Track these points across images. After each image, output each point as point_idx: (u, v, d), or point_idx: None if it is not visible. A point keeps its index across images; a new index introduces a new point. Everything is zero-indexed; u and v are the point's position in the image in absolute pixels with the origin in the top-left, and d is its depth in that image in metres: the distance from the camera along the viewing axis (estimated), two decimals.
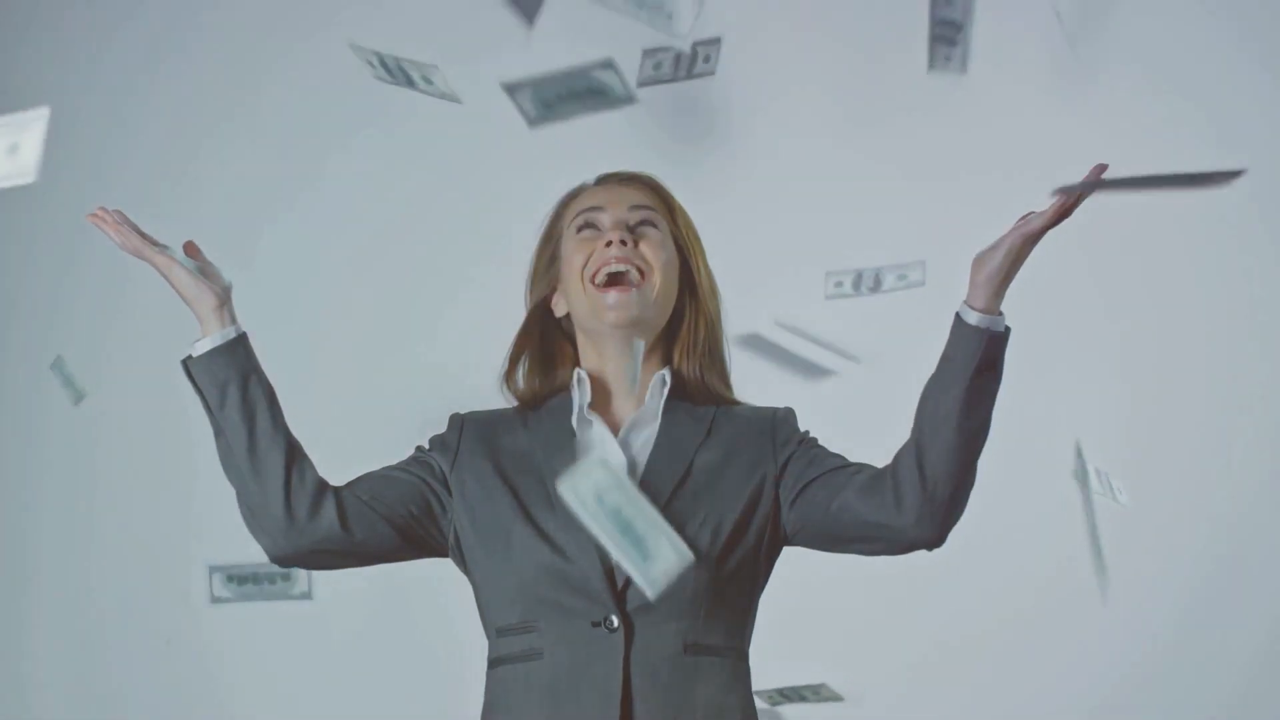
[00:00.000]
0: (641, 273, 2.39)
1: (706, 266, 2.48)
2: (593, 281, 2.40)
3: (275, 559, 2.35)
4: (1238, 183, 1.95)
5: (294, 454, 2.33)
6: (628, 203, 2.44)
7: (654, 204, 2.45)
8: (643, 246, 2.40)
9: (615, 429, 2.41)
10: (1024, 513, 3.66)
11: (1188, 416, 3.81)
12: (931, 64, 2.29)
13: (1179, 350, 3.84)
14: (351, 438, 2.96)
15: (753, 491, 2.36)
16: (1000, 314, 2.23)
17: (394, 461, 2.44)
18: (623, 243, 2.39)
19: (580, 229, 2.45)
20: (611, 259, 2.39)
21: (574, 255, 2.43)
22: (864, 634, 3.65)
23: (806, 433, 2.44)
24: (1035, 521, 3.71)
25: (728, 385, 2.48)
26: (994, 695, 3.68)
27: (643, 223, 2.44)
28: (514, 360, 2.48)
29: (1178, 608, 3.77)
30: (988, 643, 3.68)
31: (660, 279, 2.40)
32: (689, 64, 2.35)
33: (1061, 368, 3.69)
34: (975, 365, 2.21)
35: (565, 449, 2.37)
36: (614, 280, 2.39)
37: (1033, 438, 3.40)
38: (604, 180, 2.51)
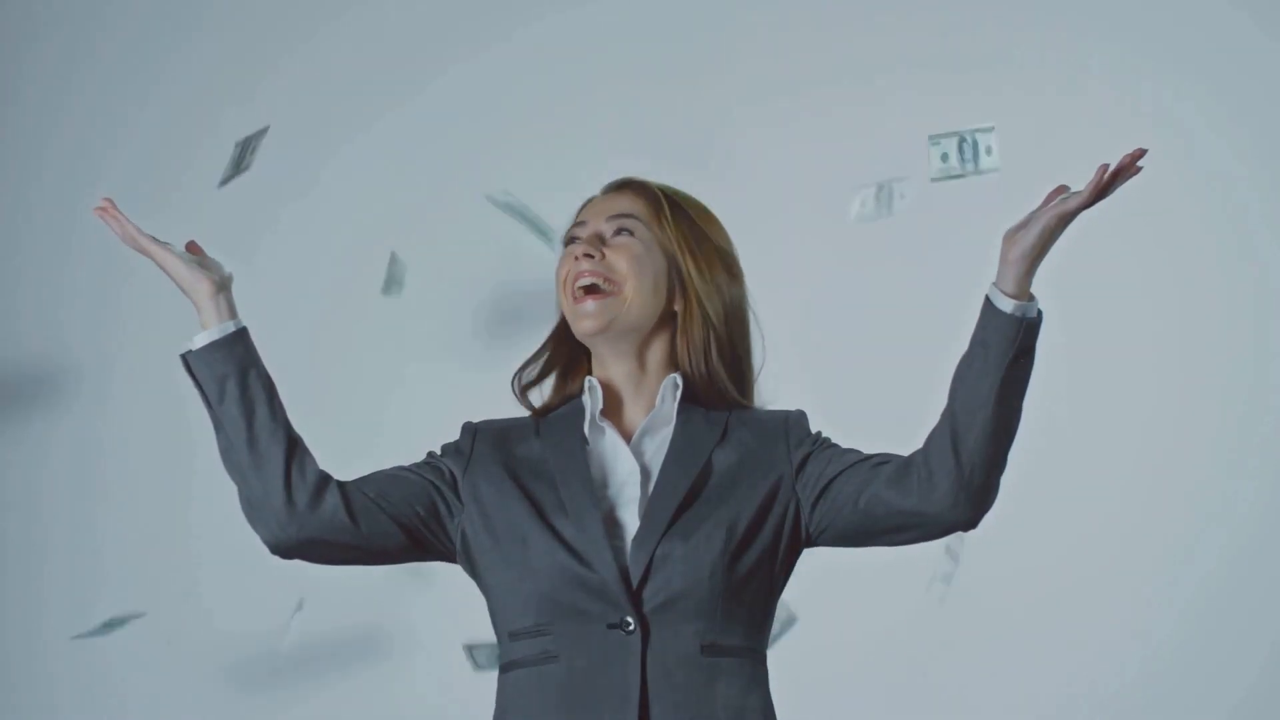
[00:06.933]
0: (614, 282, 2.39)
1: (707, 265, 2.44)
2: (572, 294, 2.41)
3: (275, 550, 2.32)
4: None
5: (294, 447, 2.30)
6: (607, 213, 2.45)
7: (637, 210, 2.45)
8: (611, 256, 2.41)
9: (628, 436, 2.40)
10: (1030, 511, 3.65)
11: (1201, 417, 3.79)
12: None
13: (1194, 351, 3.86)
14: (354, 435, 2.95)
15: (768, 491, 2.34)
16: (1032, 298, 2.21)
17: (394, 462, 2.41)
18: (589, 255, 2.40)
19: (567, 243, 2.46)
20: (581, 272, 2.40)
21: (559, 269, 2.44)
22: (868, 632, 3.63)
23: (819, 433, 2.42)
24: (1041, 521, 3.71)
25: (742, 386, 2.46)
26: (998, 696, 3.68)
27: (620, 231, 2.43)
28: (533, 360, 2.48)
29: (1186, 610, 3.77)
30: (993, 642, 3.67)
31: (631, 286, 2.39)
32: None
33: (1074, 368, 3.71)
34: (1011, 354, 2.19)
35: (577, 456, 2.36)
36: (589, 291, 2.40)
37: (1041, 438, 3.39)
38: (604, 190, 2.51)
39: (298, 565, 2.39)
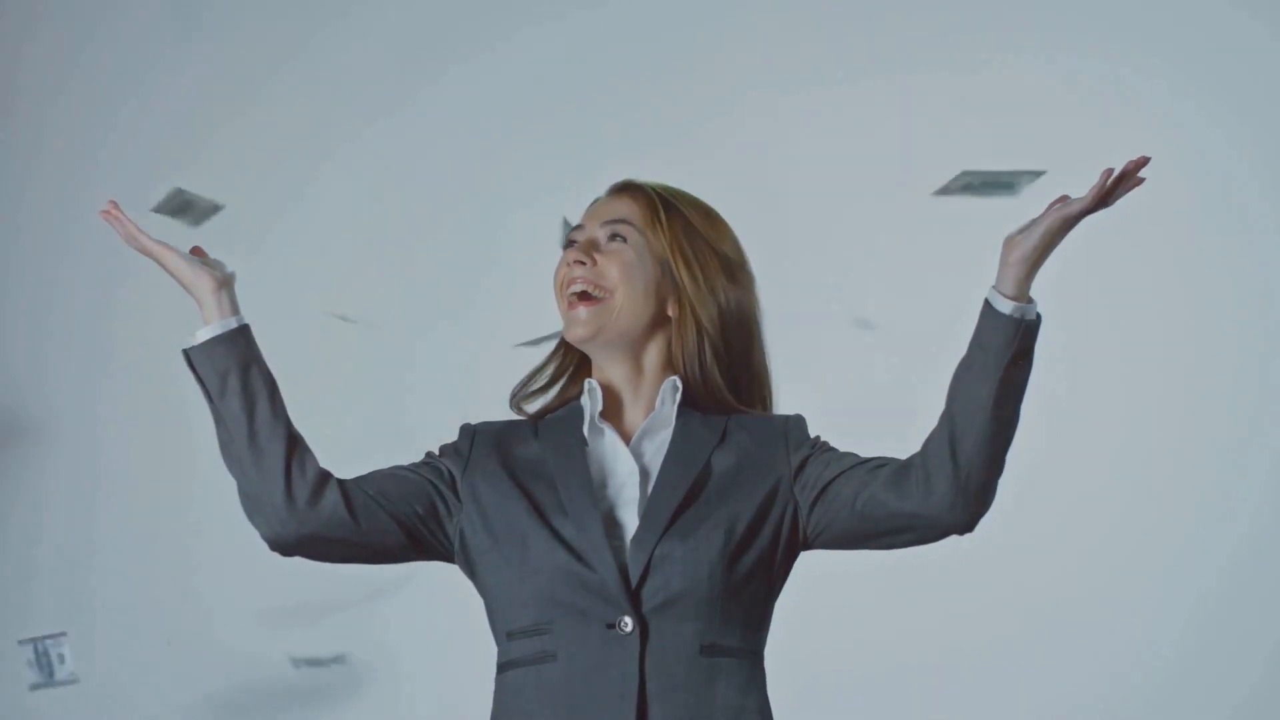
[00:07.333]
0: (604, 289, 2.40)
1: (702, 270, 2.44)
2: (566, 300, 2.43)
3: (274, 546, 2.33)
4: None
5: (295, 443, 2.31)
6: (603, 218, 2.46)
7: (633, 215, 2.45)
8: (603, 263, 2.42)
9: (627, 438, 2.41)
10: (1031, 515, 3.65)
11: (1203, 419, 3.80)
12: None
13: (1195, 352, 3.86)
14: (354, 434, 2.95)
15: (767, 493, 2.35)
16: (1032, 300, 2.21)
17: (394, 462, 2.42)
18: (580, 262, 2.41)
19: (565, 248, 2.47)
20: (573, 278, 2.42)
21: (555, 274, 2.46)
22: (874, 637, 3.63)
23: (818, 436, 2.43)
24: (1042, 525, 3.72)
25: (740, 391, 2.45)
26: (1003, 700, 3.68)
27: (613, 237, 2.44)
28: (538, 371, 2.50)
29: (1189, 615, 3.77)
30: (997, 646, 3.67)
31: (622, 293, 2.41)
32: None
33: (1081, 372, 3.71)
34: (1010, 356, 2.20)
35: (576, 457, 2.37)
36: (581, 297, 2.41)
37: (1042, 441, 3.39)
38: (606, 192, 2.52)
39: (298, 564, 2.40)
